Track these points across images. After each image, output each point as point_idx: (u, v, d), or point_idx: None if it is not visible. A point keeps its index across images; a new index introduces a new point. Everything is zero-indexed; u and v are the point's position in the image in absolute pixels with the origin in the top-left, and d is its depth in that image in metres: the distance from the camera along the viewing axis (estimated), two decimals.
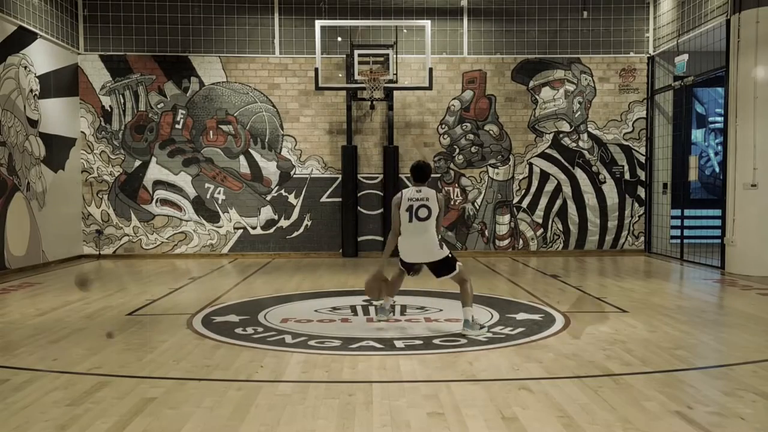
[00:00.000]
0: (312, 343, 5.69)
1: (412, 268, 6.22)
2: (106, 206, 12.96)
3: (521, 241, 13.29)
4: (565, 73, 13.16)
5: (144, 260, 12.55)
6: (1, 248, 10.29)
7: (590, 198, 13.27)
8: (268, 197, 13.07)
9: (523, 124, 13.20)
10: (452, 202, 13.18)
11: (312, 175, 13.09)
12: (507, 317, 6.78)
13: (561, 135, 13.21)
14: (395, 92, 12.74)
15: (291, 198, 13.09)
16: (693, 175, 11.65)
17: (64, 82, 12.33)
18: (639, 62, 13.19)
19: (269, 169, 13.03)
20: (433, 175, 12.92)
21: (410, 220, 6.04)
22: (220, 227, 13.07)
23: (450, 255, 6.04)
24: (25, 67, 11.05)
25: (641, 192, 13.32)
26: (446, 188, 13.15)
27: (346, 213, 12.77)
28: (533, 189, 13.26)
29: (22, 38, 10.93)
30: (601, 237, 13.33)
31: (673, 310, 7.16)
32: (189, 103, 12.92)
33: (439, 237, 6.08)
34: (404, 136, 13.10)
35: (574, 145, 13.20)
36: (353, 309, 7.29)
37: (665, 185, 12.91)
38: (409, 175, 13.12)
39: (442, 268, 6.01)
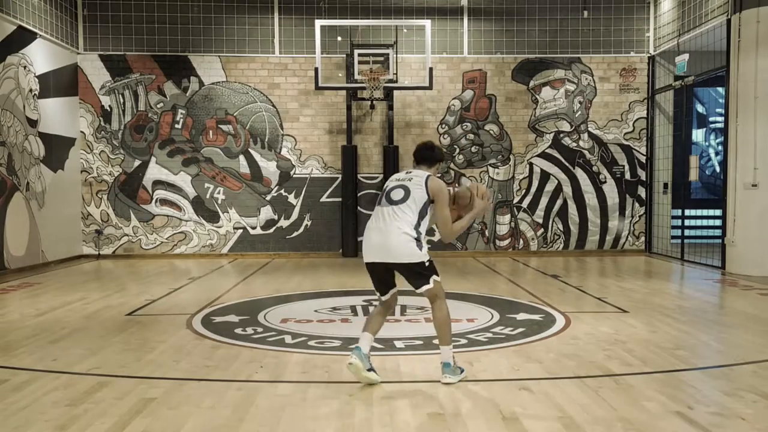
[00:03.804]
0: (312, 343, 5.68)
1: (381, 283, 4.59)
2: (106, 206, 12.95)
3: (521, 241, 13.28)
4: (566, 73, 13.15)
5: (143, 260, 12.54)
6: (0, 248, 10.27)
7: (591, 198, 13.26)
8: (268, 197, 13.06)
9: (524, 124, 13.19)
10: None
11: (312, 175, 13.08)
12: (507, 317, 6.77)
13: (561, 135, 13.20)
14: (395, 92, 12.73)
15: (291, 198, 13.08)
16: (693, 175, 11.64)
17: (63, 82, 12.31)
18: (639, 62, 13.18)
19: (269, 168, 13.02)
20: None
21: (379, 203, 4.61)
22: (220, 227, 13.06)
23: (427, 262, 4.45)
24: (25, 67, 11.04)
25: (642, 192, 13.31)
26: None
27: (346, 213, 12.75)
28: (533, 189, 13.25)
29: (21, 38, 10.92)
30: (602, 237, 13.31)
31: (673, 310, 7.15)
32: (189, 103, 12.91)
33: (419, 234, 4.43)
34: (404, 135, 13.09)
35: (574, 144, 13.19)
36: (353, 309, 7.28)
37: (666, 185, 12.90)
38: None
39: (411, 275, 4.45)
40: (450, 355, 4.50)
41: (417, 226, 4.43)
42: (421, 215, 4.46)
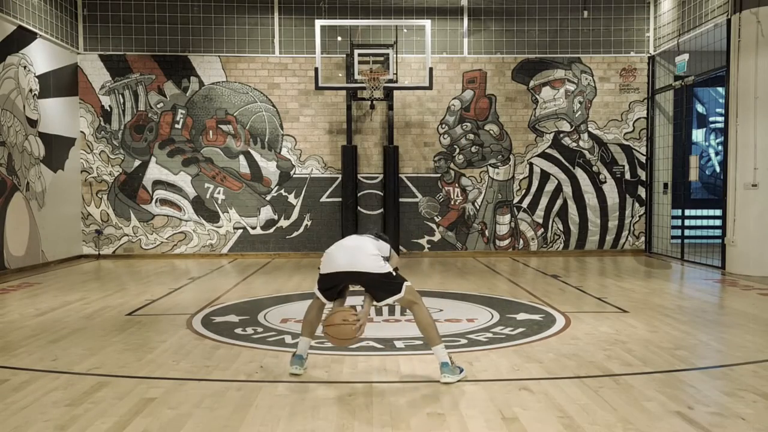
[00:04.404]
0: (312, 343, 5.66)
1: (332, 291, 4.73)
2: (106, 206, 12.95)
3: (521, 241, 13.28)
4: (566, 73, 13.15)
5: (143, 260, 12.54)
6: (0, 248, 10.28)
7: (591, 198, 13.26)
8: (268, 197, 13.06)
9: (524, 124, 13.19)
10: (452, 202, 13.17)
11: (312, 175, 13.08)
12: (507, 317, 6.77)
13: (561, 135, 13.20)
14: (395, 92, 12.73)
15: (291, 198, 13.08)
16: (693, 175, 11.63)
17: (63, 82, 12.32)
18: (639, 62, 13.18)
19: (269, 168, 13.02)
20: (433, 175, 13.08)
21: (349, 235, 5.02)
22: (220, 227, 13.06)
23: (394, 272, 4.60)
24: (25, 67, 11.04)
25: (642, 192, 13.31)
26: (446, 188, 13.14)
27: (346, 213, 12.74)
28: (533, 189, 13.25)
29: (21, 38, 10.92)
30: (602, 237, 13.31)
31: (673, 310, 7.15)
32: (189, 103, 12.91)
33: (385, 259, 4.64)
34: (404, 135, 13.09)
35: (574, 144, 13.19)
36: (353, 309, 7.26)
37: (666, 185, 12.90)
38: (408, 175, 13.20)
39: (379, 287, 4.55)
40: (445, 354, 4.55)
41: (383, 257, 4.66)
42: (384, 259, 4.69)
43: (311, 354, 5.22)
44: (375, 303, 4.70)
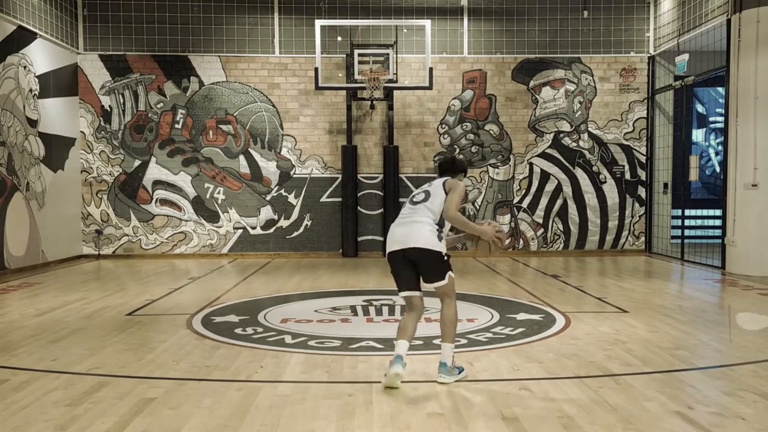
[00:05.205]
0: (312, 343, 5.67)
1: (405, 278, 4.58)
2: (106, 206, 12.95)
3: (522, 241, 13.28)
4: (566, 73, 13.15)
5: (143, 260, 12.54)
6: (0, 248, 10.27)
7: (591, 198, 13.26)
8: (268, 197, 13.06)
9: (524, 124, 13.19)
10: None
11: (312, 175, 13.07)
12: (507, 317, 6.77)
13: (561, 135, 13.20)
14: (395, 92, 12.73)
15: (291, 198, 13.08)
16: (693, 175, 11.63)
17: (63, 82, 12.31)
18: (639, 62, 13.18)
19: (269, 168, 13.02)
20: (433, 175, 13.03)
21: (404, 206, 4.84)
22: (220, 227, 13.06)
23: (445, 256, 4.52)
24: (25, 67, 11.04)
25: (642, 192, 13.31)
26: None
27: (346, 213, 12.75)
28: (533, 189, 13.25)
29: (21, 38, 10.92)
30: (602, 237, 13.31)
31: (673, 310, 7.15)
32: (189, 103, 12.91)
33: (440, 228, 4.51)
34: (404, 135, 13.09)
35: (574, 144, 13.19)
36: (353, 309, 7.28)
37: (666, 185, 12.90)
38: (408, 175, 13.18)
39: (430, 267, 4.48)
40: (450, 354, 4.53)
41: (437, 221, 4.52)
42: (445, 207, 4.52)
43: (312, 354, 5.24)
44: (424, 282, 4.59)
